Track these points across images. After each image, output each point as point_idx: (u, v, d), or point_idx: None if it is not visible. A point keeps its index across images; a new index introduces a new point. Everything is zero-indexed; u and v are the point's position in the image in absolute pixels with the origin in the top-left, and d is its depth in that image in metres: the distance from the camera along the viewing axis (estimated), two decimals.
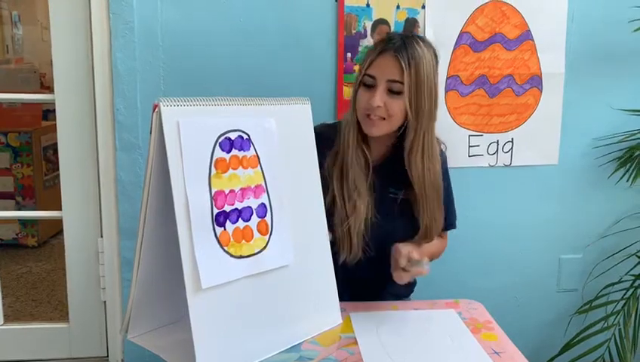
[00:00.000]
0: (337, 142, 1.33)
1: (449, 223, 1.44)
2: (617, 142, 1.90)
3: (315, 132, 1.23)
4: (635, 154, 1.85)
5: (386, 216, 1.32)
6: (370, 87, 1.24)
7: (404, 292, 1.47)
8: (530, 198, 1.94)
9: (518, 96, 1.86)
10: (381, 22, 1.75)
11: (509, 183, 1.92)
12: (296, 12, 1.72)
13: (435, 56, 1.28)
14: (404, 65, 1.20)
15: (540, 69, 1.86)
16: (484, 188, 1.91)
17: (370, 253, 1.30)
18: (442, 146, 1.39)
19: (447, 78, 1.81)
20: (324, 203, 1.23)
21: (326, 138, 1.31)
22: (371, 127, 1.26)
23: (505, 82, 1.85)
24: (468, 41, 1.81)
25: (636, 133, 1.86)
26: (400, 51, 1.21)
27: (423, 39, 1.28)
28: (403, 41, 1.23)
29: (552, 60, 1.85)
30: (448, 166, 1.40)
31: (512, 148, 1.89)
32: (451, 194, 1.45)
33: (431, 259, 1.39)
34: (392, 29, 1.76)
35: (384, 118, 1.25)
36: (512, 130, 1.88)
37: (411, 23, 1.77)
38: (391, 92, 1.23)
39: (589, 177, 1.95)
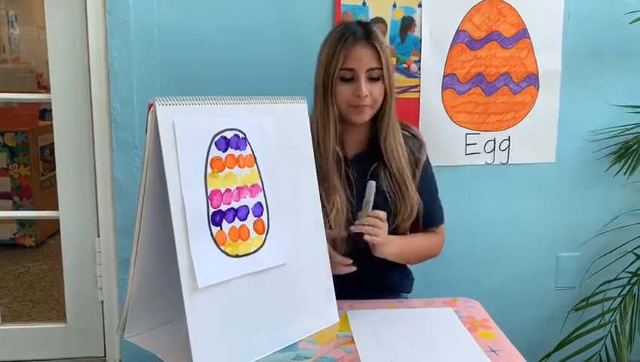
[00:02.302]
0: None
1: (437, 217, 1.44)
2: (613, 137, 1.90)
3: None
4: (632, 148, 1.85)
5: None
6: (350, 79, 1.28)
7: (401, 287, 1.47)
8: (528, 196, 1.95)
9: (514, 94, 1.86)
10: (378, 20, 1.75)
11: (506, 181, 1.92)
12: (293, 10, 1.72)
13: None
14: (380, 52, 1.26)
15: (537, 67, 1.86)
16: (481, 186, 1.91)
17: (358, 248, 1.27)
18: (419, 134, 1.43)
19: (443, 77, 1.81)
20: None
21: None
22: (360, 115, 1.30)
23: (502, 80, 1.85)
24: (464, 40, 1.81)
25: (632, 128, 1.86)
26: (370, 38, 1.26)
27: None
28: (365, 28, 1.29)
29: (548, 58, 1.86)
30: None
31: (509, 146, 1.89)
32: (436, 188, 1.45)
33: (421, 255, 1.40)
34: (389, 27, 1.76)
35: (370, 106, 1.29)
36: (509, 128, 1.88)
37: (408, 22, 1.77)
38: (371, 79, 1.28)
39: (586, 174, 1.95)
